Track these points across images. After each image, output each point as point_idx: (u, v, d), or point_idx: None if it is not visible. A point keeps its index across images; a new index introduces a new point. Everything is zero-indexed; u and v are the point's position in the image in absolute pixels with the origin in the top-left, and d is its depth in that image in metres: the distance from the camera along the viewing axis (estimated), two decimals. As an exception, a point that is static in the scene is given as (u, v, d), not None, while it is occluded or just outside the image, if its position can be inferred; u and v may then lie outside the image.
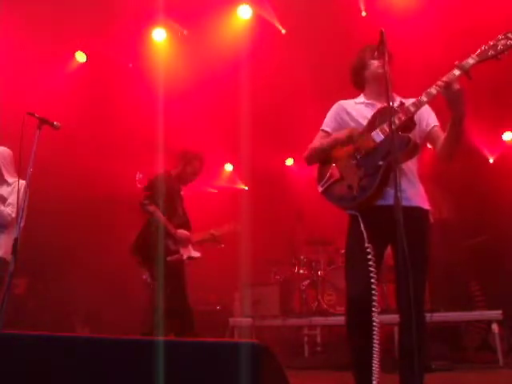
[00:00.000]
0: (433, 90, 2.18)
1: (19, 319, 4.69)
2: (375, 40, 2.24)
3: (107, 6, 5.04)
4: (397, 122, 2.21)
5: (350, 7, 5.22)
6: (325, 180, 2.46)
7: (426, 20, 5.03)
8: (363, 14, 5.21)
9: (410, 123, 2.29)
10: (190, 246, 3.90)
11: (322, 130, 2.60)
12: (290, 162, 8.22)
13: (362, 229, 2.28)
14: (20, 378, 1.58)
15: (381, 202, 2.28)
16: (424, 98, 2.21)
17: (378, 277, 2.40)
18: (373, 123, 2.36)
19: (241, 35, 5.46)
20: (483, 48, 2.09)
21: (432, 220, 2.44)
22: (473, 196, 6.41)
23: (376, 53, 2.37)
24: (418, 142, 2.36)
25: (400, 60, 2.61)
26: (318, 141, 2.58)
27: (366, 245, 2.25)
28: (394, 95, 2.53)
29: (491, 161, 7.21)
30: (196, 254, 3.91)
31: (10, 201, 3.55)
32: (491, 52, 2.06)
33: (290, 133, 6.54)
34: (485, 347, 4.76)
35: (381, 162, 2.25)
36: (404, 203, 2.01)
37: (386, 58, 2.19)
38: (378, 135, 2.31)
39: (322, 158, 2.51)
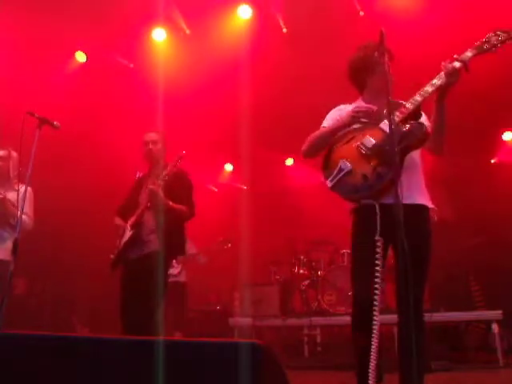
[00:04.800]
0: (437, 79, 2.28)
1: (19, 319, 4.69)
2: (374, 39, 2.24)
3: (107, 5, 5.04)
4: (405, 111, 2.30)
5: (349, 7, 5.23)
6: (334, 175, 2.40)
7: (425, 20, 5.04)
8: (361, 13, 5.23)
9: (417, 113, 2.35)
10: None
11: (322, 127, 2.59)
12: (289, 161, 8.22)
13: (378, 219, 2.21)
14: (20, 378, 1.58)
15: (381, 201, 2.26)
16: (429, 88, 2.29)
17: (383, 276, 2.40)
18: (378, 116, 2.37)
19: (241, 35, 5.46)
20: (477, 43, 2.28)
21: (435, 218, 2.44)
22: (473, 196, 6.41)
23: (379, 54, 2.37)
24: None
25: (398, 60, 2.60)
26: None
27: (377, 237, 2.19)
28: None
29: (492, 161, 7.22)
30: None
31: (26, 210, 3.58)
32: (486, 46, 2.27)
33: (290, 133, 6.54)
34: (485, 347, 4.76)
35: (396, 149, 2.21)
36: (406, 201, 2.01)
37: (386, 58, 2.20)
38: (386, 125, 2.27)
39: (322, 145, 2.49)
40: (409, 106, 2.32)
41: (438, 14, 5.02)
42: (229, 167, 8.46)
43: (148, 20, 5.46)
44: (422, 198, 2.39)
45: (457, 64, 2.25)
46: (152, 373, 1.39)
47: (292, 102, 6.11)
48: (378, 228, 2.20)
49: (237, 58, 5.42)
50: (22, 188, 3.23)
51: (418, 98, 2.31)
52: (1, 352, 1.61)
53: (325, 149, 2.50)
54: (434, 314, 4.42)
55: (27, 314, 5.83)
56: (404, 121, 2.31)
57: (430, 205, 2.42)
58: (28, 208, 3.67)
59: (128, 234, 3.43)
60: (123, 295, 3.36)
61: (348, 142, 2.43)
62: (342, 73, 2.61)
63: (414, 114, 2.34)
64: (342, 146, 2.44)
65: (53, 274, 6.41)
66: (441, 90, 2.31)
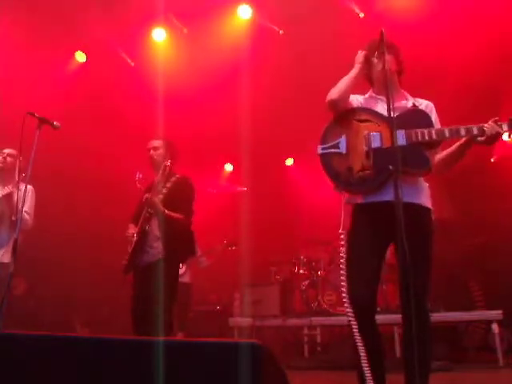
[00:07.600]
0: (475, 130, 2.18)
1: (19, 319, 4.69)
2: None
3: (107, 5, 5.05)
4: (427, 137, 2.21)
5: (349, 8, 5.24)
6: (329, 145, 2.36)
7: (425, 21, 5.03)
8: (361, 15, 5.25)
9: (436, 145, 2.29)
10: None
11: None
12: (289, 161, 8.22)
13: (342, 214, 2.24)
14: (20, 377, 1.58)
15: (378, 198, 2.26)
16: (462, 132, 2.21)
17: (379, 275, 2.40)
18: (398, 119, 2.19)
19: (241, 35, 5.47)
20: None
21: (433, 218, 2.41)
22: (473, 196, 6.40)
23: (376, 52, 2.37)
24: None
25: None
26: None
27: (340, 231, 2.23)
28: (406, 94, 2.51)
29: (492, 160, 7.21)
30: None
31: (26, 209, 3.64)
32: None
33: (290, 133, 6.54)
34: (485, 347, 4.76)
35: (391, 167, 2.16)
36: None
37: (386, 58, 2.19)
38: (400, 136, 2.19)
39: (348, 89, 2.42)
40: (434, 136, 2.21)
41: (437, 16, 5.01)
42: (229, 167, 8.47)
43: (148, 20, 5.47)
44: (419, 197, 2.35)
45: (504, 127, 2.19)
46: (152, 373, 1.39)
47: (292, 101, 6.11)
48: (342, 224, 2.23)
49: (237, 58, 5.43)
50: (23, 187, 3.25)
51: (447, 134, 2.22)
52: (1, 352, 1.61)
53: (347, 100, 2.44)
54: (434, 314, 4.41)
55: (27, 314, 5.82)
56: (419, 145, 2.21)
57: (427, 205, 2.38)
58: (29, 206, 3.73)
59: (134, 241, 3.51)
60: (134, 304, 3.40)
61: (362, 121, 2.38)
62: (341, 74, 2.61)
63: (433, 144, 2.26)
64: (354, 121, 2.39)
65: (53, 274, 6.41)
66: (473, 141, 2.23)
